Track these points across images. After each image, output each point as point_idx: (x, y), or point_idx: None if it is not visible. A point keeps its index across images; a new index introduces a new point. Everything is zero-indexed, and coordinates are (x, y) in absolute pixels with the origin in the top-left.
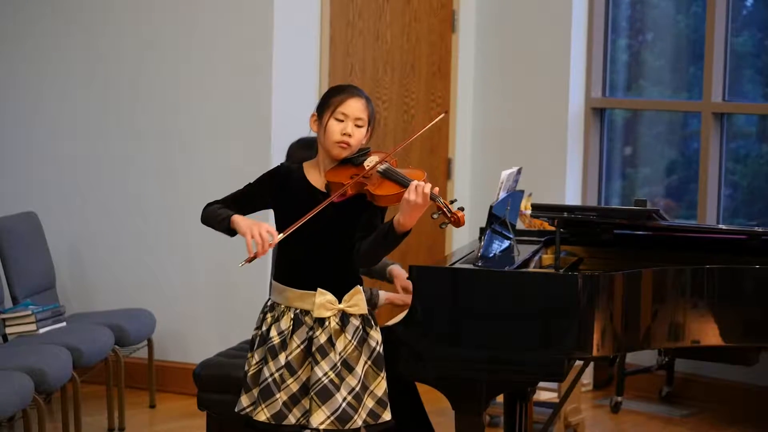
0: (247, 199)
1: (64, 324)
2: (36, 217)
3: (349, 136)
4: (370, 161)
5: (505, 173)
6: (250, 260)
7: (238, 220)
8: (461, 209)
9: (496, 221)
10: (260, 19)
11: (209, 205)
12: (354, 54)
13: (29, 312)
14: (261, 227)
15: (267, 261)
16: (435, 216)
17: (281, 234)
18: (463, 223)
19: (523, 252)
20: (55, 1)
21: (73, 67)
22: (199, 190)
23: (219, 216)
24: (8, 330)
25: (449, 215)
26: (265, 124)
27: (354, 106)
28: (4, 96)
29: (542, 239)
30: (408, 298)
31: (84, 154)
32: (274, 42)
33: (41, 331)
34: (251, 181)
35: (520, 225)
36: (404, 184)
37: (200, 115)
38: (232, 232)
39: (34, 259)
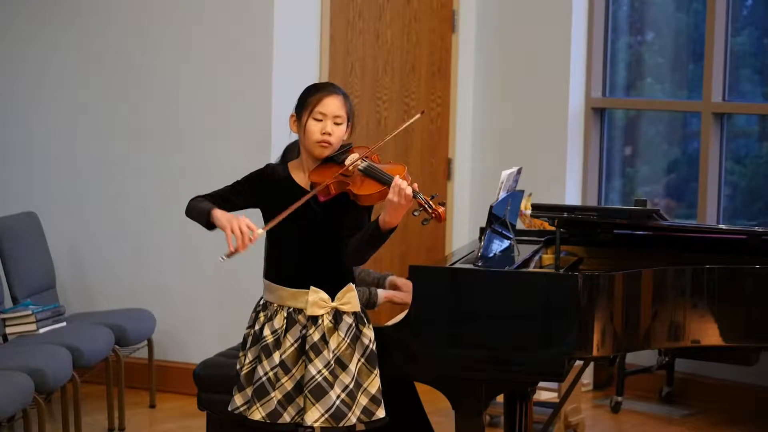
0: (233, 197)
1: (64, 324)
2: (36, 217)
3: (329, 134)
4: (350, 159)
5: (505, 173)
6: (230, 255)
7: (218, 214)
8: (442, 204)
9: (496, 221)
10: (260, 19)
11: (195, 198)
12: (354, 54)
13: (29, 312)
14: (241, 222)
15: (261, 260)
16: (416, 213)
17: (261, 229)
18: (445, 219)
19: (523, 252)
20: (56, 1)
21: (73, 67)
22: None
23: (201, 209)
24: (8, 330)
25: (430, 211)
26: (265, 124)
27: (331, 104)
28: (4, 96)
29: (542, 239)
30: (407, 297)
31: (84, 154)
32: (275, 42)
33: (41, 331)
34: (239, 179)
35: (520, 225)
36: (385, 181)
37: (200, 115)
38: (211, 226)
39: (34, 259)
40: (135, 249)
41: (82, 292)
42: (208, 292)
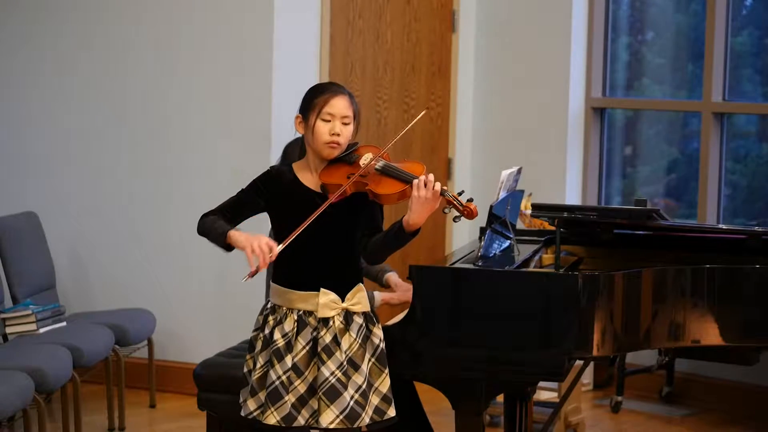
0: (241, 207)
1: (64, 324)
2: (36, 217)
3: (338, 135)
4: (365, 159)
5: (505, 173)
6: (252, 275)
7: (236, 235)
8: (471, 200)
9: (497, 221)
10: (260, 19)
11: (204, 216)
12: (354, 53)
13: (29, 312)
14: (260, 240)
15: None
16: (446, 211)
17: (280, 245)
18: (477, 214)
19: (523, 252)
20: (55, 1)
21: (73, 67)
22: (199, 190)
23: (215, 230)
24: (8, 330)
25: (461, 208)
26: (265, 124)
27: (339, 105)
28: (4, 96)
29: (542, 239)
30: (404, 297)
31: (84, 154)
32: (274, 42)
33: (41, 330)
34: (243, 188)
35: (520, 225)
36: (407, 180)
37: (200, 115)
38: (229, 247)
39: (34, 259)
40: (135, 249)
41: (82, 292)
42: (208, 292)
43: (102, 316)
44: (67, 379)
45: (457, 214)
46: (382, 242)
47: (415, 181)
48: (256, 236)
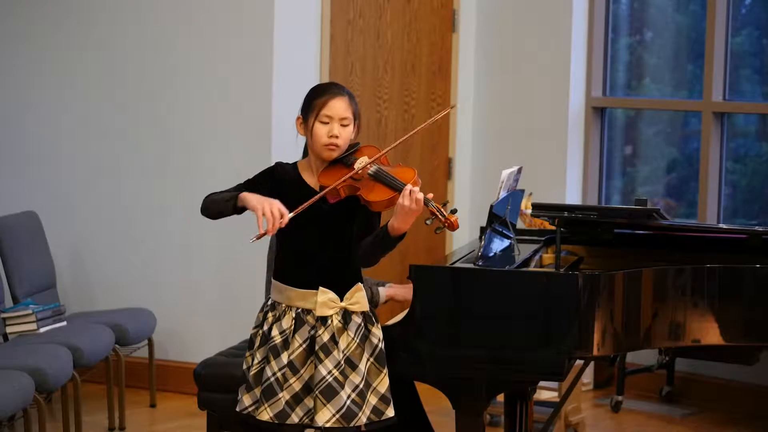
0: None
1: (64, 323)
2: (36, 217)
3: (336, 137)
4: (359, 162)
5: (505, 172)
6: (259, 237)
7: (248, 196)
8: (454, 212)
9: (497, 220)
10: (260, 19)
11: (209, 195)
12: (354, 53)
13: (30, 311)
14: (273, 204)
15: (261, 259)
16: (428, 221)
17: (291, 213)
18: (457, 227)
19: (523, 251)
20: (54, 0)
21: (73, 67)
22: (200, 190)
23: (224, 197)
24: (9, 329)
25: (443, 220)
26: (265, 124)
27: (337, 107)
28: (3, 96)
29: (542, 238)
30: (409, 293)
31: (84, 153)
32: (275, 41)
33: (42, 330)
34: (248, 178)
35: (520, 224)
36: (396, 188)
37: (200, 115)
38: (239, 210)
39: (34, 259)
40: (135, 249)
41: (82, 292)
42: (209, 291)
43: (102, 316)
44: (68, 379)
45: (439, 225)
46: (371, 246)
47: (404, 191)
48: (270, 200)
